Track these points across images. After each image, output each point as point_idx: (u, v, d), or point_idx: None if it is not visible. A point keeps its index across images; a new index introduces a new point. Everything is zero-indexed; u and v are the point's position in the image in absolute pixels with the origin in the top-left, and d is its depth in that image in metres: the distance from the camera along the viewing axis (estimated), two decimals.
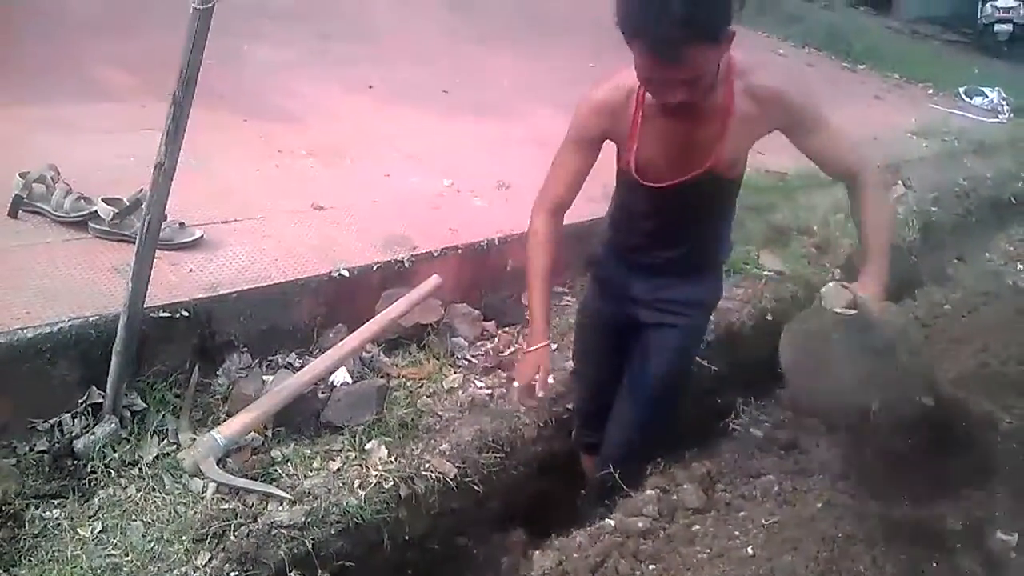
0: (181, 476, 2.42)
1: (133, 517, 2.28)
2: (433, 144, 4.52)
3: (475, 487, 2.77)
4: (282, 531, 2.33)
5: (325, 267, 3.05)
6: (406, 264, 3.24)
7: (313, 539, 2.37)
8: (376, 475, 2.59)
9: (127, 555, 2.19)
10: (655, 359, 2.59)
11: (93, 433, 2.43)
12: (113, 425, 2.45)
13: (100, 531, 2.23)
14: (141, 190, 2.76)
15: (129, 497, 2.34)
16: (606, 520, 2.58)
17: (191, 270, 2.85)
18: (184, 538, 2.23)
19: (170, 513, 2.30)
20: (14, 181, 2.91)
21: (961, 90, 9.84)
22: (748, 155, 2.36)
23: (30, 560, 2.15)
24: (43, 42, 4.49)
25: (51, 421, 2.44)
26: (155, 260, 2.38)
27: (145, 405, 2.56)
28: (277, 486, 2.45)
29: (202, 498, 2.37)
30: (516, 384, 2.56)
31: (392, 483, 2.59)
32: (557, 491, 3.08)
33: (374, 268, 3.16)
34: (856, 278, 2.28)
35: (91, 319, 2.49)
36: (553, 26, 8.22)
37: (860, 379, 2.05)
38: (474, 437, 2.87)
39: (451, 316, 3.37)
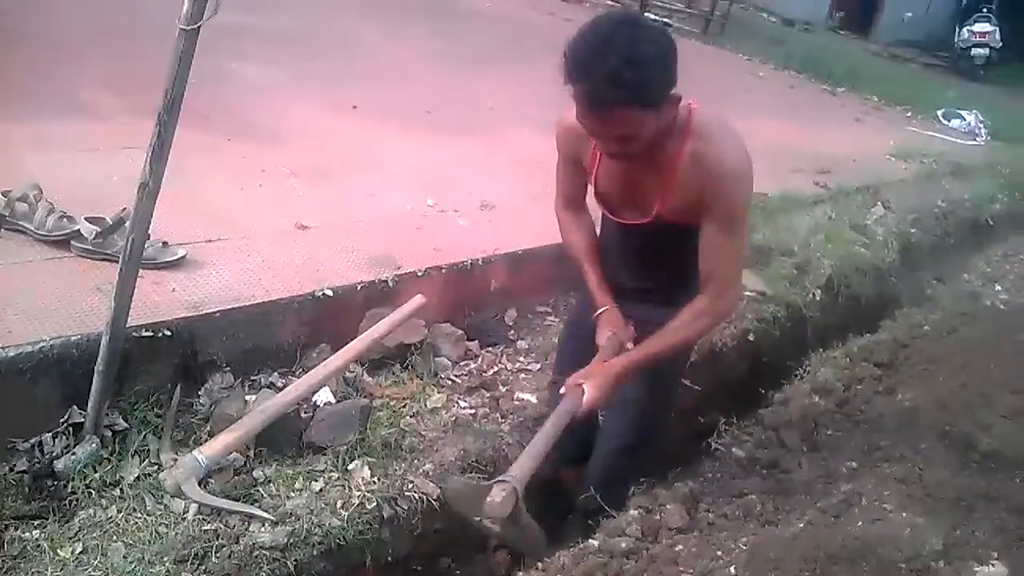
0: (163, 497, 2.40)
1: (114, 538, 2.26)
2: (416, 164, 4.53)
3: None
4: (264, 552, 2.31)
5: (309, 286, 3.06)
6: (390, 284, 3.25)
7: (295, 560, 2.35)
8: (359, 495, 2.59)
9: None
10: (639, 382, 2.54)
11: (74, 453, 2.41)
12: (94, 445, 2.44)
13: (80, 552, 2.21)
14: (124, 209, 2.76)
15: (110, 518, 2.32)
16: (589, 540, 2.58)
17: (174, 289, 2.85)
18: (166, 559, 2.21)
19: (151, 534, 2.29)
20: None
21: (939, 113, 10.00)
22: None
23: None
24: (26, 61, 4.48)
25: (31, 441, 2.41)
26: (138, 279, 2.37)
27: (127, 425, 2.55)
28: (259, 507, 2.44)
29: (184, 519, 2.35)
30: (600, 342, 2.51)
31: (375, 504, 2.58)
32: (540, 511, 3.08)
33: (358, 288, 3.17)
34: None
35: (73, 338, 2.48)
36: (534, 49, 8.26)
37: None
38: (457, 457, 2.86)
39: (435, 336, 3.38)
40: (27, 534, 2.24)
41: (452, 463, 2.84)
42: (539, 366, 3.48)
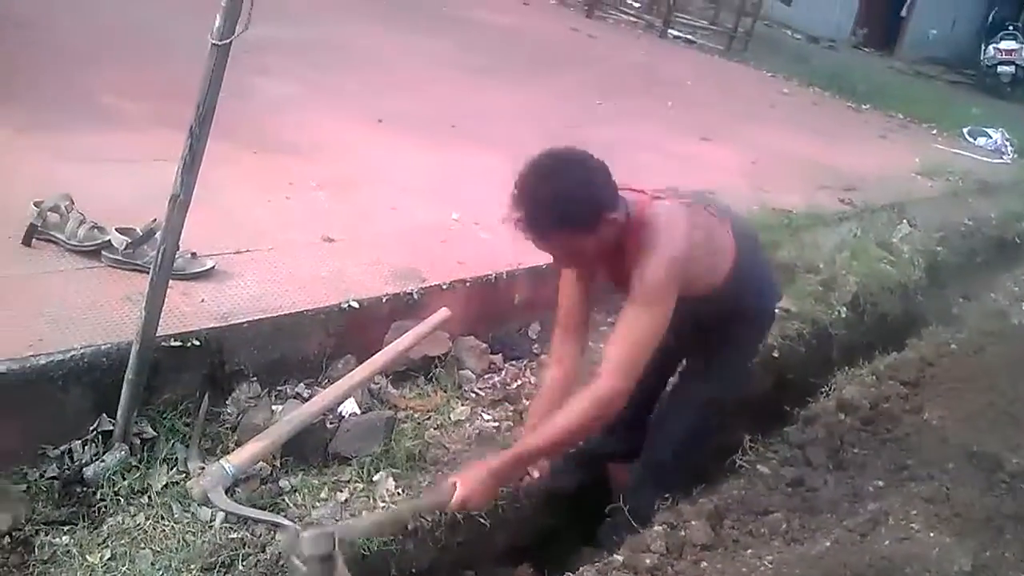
0: (190, 505, 2.42)
1: (142, 545, 2.27)
2: (442, 177, 4.56)
3: (482, 520, 2.75)
4: None
5: (335, 298, 3.07)
6: (415, 296, 3.26)
7: None
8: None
9: None
10: (699, 382, 2.79)
11: (103, 460, 2.43)
12: (123, 453, 2.46)
13: (109, 558, 2.22)
14: (155, 220, 2.79)
15: (138, 525, 2.33)
16: (614, 556, 2.58)
17: (203, 300, 2.87)
18: (193, 567, 2.23)
19: (179, 542, 2.30)
20: (29, 210, 2.93)
21: (965, 130, 9.94)
22: (705, 277, 2.46)
23: None
24: (57, 72, 4.55)
25: (61, 448, 2.44)
26: (168, 289, 2.40)
27: (155, 433, 2.57)
28: (285, 516, 2.45)
29: (210, 527, 2.37)
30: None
31: None
32: (565, 525, 3.07)
33: (383, 300, 3.18)
34: None
35: (103, 347, 2.50)
36: (558, 63, 8.33)
37: None
38: None
39: (459, 349, 3.39)
40: (57, 539, 2.26)
41: None
42: None
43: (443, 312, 3.10)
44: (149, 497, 2.43)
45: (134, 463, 2.48)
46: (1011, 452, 2.96)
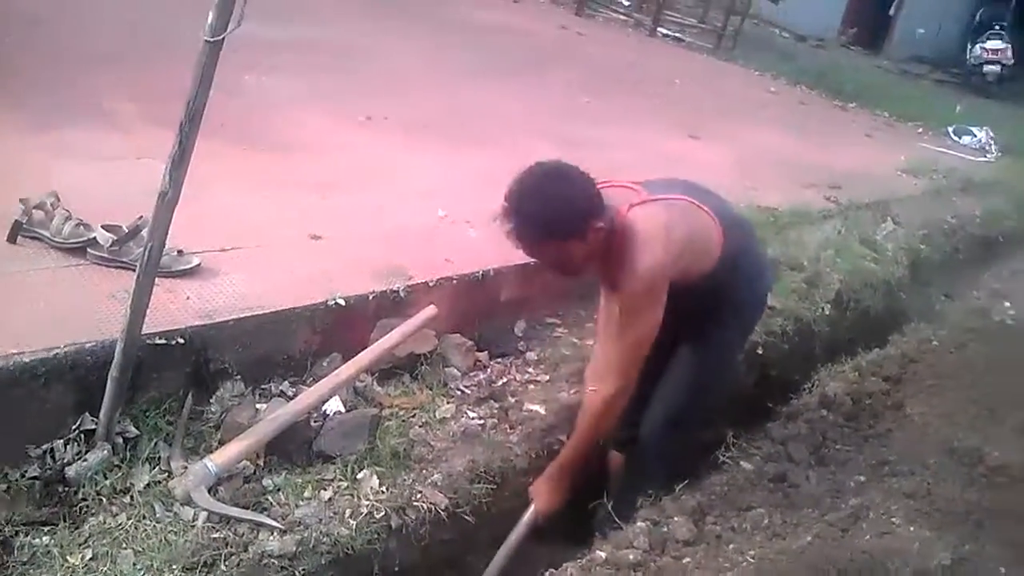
0: (172, 504, 2.41)
1: (123, 545, 2.26)
2: (428, 175, 4.56)
3: (467, 518, 2.77)
4: (273, 561, 2.32)
5: (320, 296, 3.07)
6: (401, 294, 3.26)
7: (303, 569, 2.36)
8: (368, 505, 2.59)
9: None
10: (691, 358, 2.82)
11: (85, 460, 2.42)
12: (105, 452, 2.45)
13: (90, 559, 2.21)
14: (141, 217, 2.79)
15: (120, 525, 2.32)
16: (597, 552, 2.60)
17: (188, 297, 2.87)
18: (175, 567, 2.22)
19: (161, 541, 2.29)
20: (14, 207, 2.92)
21: (950, 129, 10.00)
22: (694, 267, 2.55)
23: None
24: (43, 70, 4.53)
25: (43, 447, 2.43)
26: (153, 287, 2.40)
27: (138, 432, 2.56)
28: (268, 515, 2.45)
29: (193, 527, 2.36)
30: None
31: (383, 513, 2.58)
32: (552, 523, 3.08)
33: (369, 298, 3.18)
34: None
35: (87, 345, 2.49)
36: (546, 61, 8.33)
37: None
38: (466, 468, 2.87)
39: (445, 346, 3.39)
40: (37, 540, 2.24)
41: (461, 473, 2.85)
42: (548, 377, 3.49)
43: (429, 310, 3.11)
44: (131, 497, 2.42)
45: (116, 462, 2.47)
46: (991, 447, 2.99)
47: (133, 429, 2.55)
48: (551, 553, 2.86)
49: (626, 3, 13.62)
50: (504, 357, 3.57)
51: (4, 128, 3.75)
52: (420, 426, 3.02)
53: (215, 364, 2.80)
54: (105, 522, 2.33)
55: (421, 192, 4.27)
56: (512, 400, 3.30)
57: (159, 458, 2.55)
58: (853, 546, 2.38)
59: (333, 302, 3.07)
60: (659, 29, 12.46)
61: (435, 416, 3.09)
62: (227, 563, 2.28)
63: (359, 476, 2.69)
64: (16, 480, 2.36)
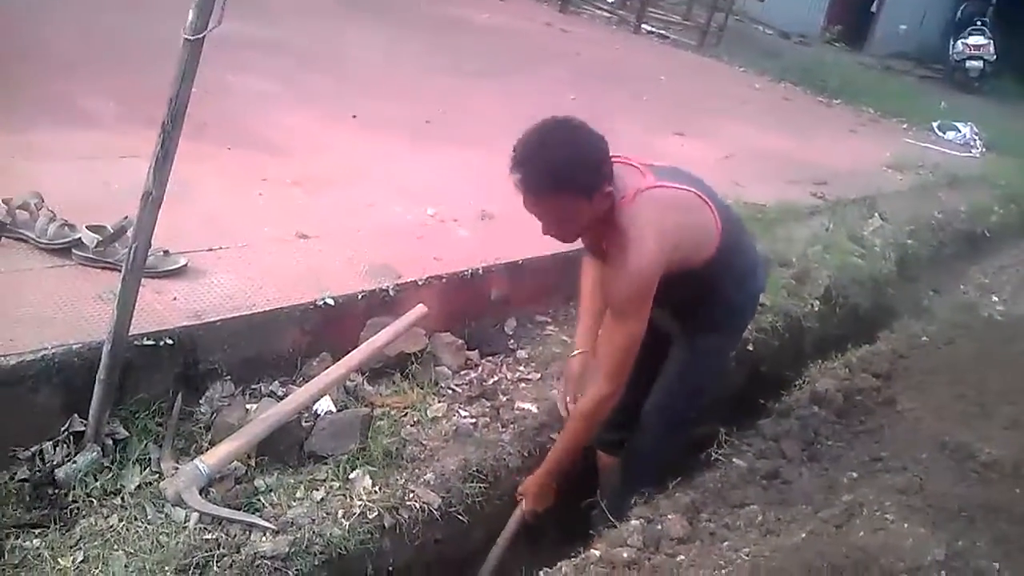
0: (163, 506, 2.39)
1: (115, 547, 2.24)
2: (416, 174, 4.54)
3: (460, 517, 2.76)
4: (265, 562, 2.31)
5: (310, 295, 3.05)
6: (391, 293, 3.25)
7: (296, 570, 2.34)
8: (360, 505, 2.58)
9: None
10: (679, 361, 2.80)
11: (75, 461, 2.40)
12: (95, 453, 2.43)
13: (81, 561, 2.20)
14: (126, 218, 2.76)
15: (111, 527, 2.30)
16: (591, 550, 2.59)
17: (175, 298, 2.84)
18: (167, 569, 2.20)
19: (152, 543, 2.27)
20: None
21: (934, 125, 10.05)
22: (692, 257, 2.51)
23: None
24: (25, 70, 4.48)
25: (32, 449, 2.41)
26: (139, 288, 2.37)
27: (127, 433, 2.54)
28: (260, 516, 2.43)
29: (185, 528, 2.34)
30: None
31: (376, 513, 2.57)
32: (542, 522, 3.07)
33: (359, 297, 3.17)
34: None
35: (74, 347, 2.47)
36: (532, 60, 8.31)
37: None
38: (458, 467, 2.86)
39: (435, 345, 3.38)
40: (28, 543, 2.22)
41: (453, 472, 2.84)
42: (539, 375, 3.48)
43: (420, 309, 3.09)
44: (122, 498, 2.40)
45: (106, 464, 2.45)
46: (982, 442, 3.00)
47: (123, 430, 2.53)
48: (545, 552, 2.86)
49: (610, 0, 13.61)
50: (495, 356, 3.56)
51: None
52: (412, 425, 3.01)
53: (204, 365, 2.78)
54: (96, 524, 2.31)
55: (409, 191, 4.25)
56: (503, 399, 3.29)
57: (149, 459, 2.53)
58: (847, 543, 2.37)
59: (322, 301, 3.05)
60: (643, 26, 12.46)
61: (427, 415, 3.08)
62: (219, 564, 2.26)
63: (351, 476, 2.68)
64: (5, 482, 2.34)
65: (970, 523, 2.52)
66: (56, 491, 2.37)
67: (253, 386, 2.90)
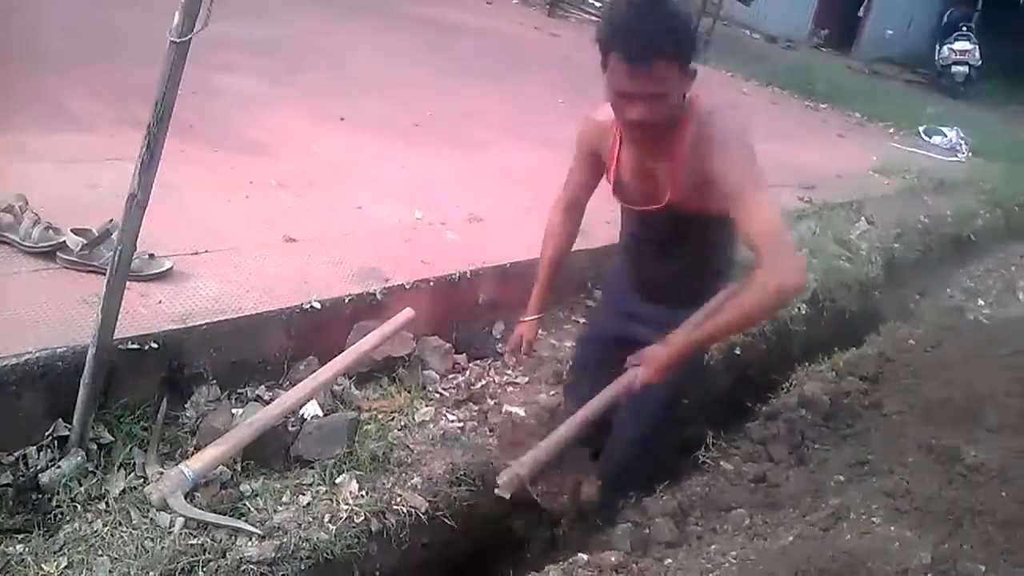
0: (148, 510, 2.37)
1: (99, 552, 2.23)
2: (405, 177, 4.53)
3: (447, 521, 2.75)
4: (251, 567, 2.29)
5: (296, 299, 3.04)
6: (378, 296, 3.24)
7: (282, 574, 2.33)
8: (347, 509, 2.57)
9: None
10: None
11: (59, 466, 2.38)
12: (79, 458, 2.41)
13: (66, 567, 2.18)
14: (111, 220, 2.75)
15: (95, 532, 2.29)
16: (579, 554, 2.58)
17: (160, 301, 2.83)
18: (152, 574, 2.18)
19: (137, 548, 2.26)
20: None
21: (921, 129, 10.10)
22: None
23: None
24: (10, 72, 4.45)
25: (16, 454, 2.38)
26: (124, 291, 2.36)
27: (112, 438, 2.52)
28: (246, 521, 2.42)
29: (170, 533, 2.32)
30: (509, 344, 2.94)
31: (363, 517, 2.56)
32: (530, 525, 3.07)
33: (346, 300, 3.15)
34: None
35: (58, 351, 2.45)
36: (521, 62, 8.32)
37: None
38: (446, 471, 2.85)
39: (423, 349, 3.37)
40: (11, 548, 2.20)
41: (440, 476, 2.83)
42: (527, 379, 3.48)
43: (407, 313, 3.08)
44: (107, 503, 2.38)
45: (91, 469, 2.43)
46: (969, 445, 2.99)
47: (107, 435, 2.51)
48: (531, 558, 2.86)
49: (598, 4, 13.61)
50: (483, 359, 3.56)
51: None
52: (399, 429, 3.00)
53: (190, 369, 2.77)
54: (80, 529, 2.30)
55: (397, 194, 4.24)
56: (491, 402, 3.29)
57: (134, 464, 2.52)
58: (834, 546, 2.37)
59: (309, 305, 3.04)
60: None
61: (414, 419, 3.07)
62: (205, 569, 2.24)
63: (338, 480, 2.67)
64: None
65: (957, 526, 2.52)
66: (40, 496, 2.35)
67: (239, 390, 2.89)
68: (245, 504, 2.51)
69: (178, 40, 2.08)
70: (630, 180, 2.46)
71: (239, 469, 2.62)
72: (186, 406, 2.75)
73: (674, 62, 2.13)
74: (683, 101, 2.26)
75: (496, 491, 2.38)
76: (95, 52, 5.09)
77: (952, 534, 2.47)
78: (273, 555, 2.34)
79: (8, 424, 2.38)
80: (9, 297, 2.64)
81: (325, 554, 2.43)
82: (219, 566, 2.26)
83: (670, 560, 2.48)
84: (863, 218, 5.94)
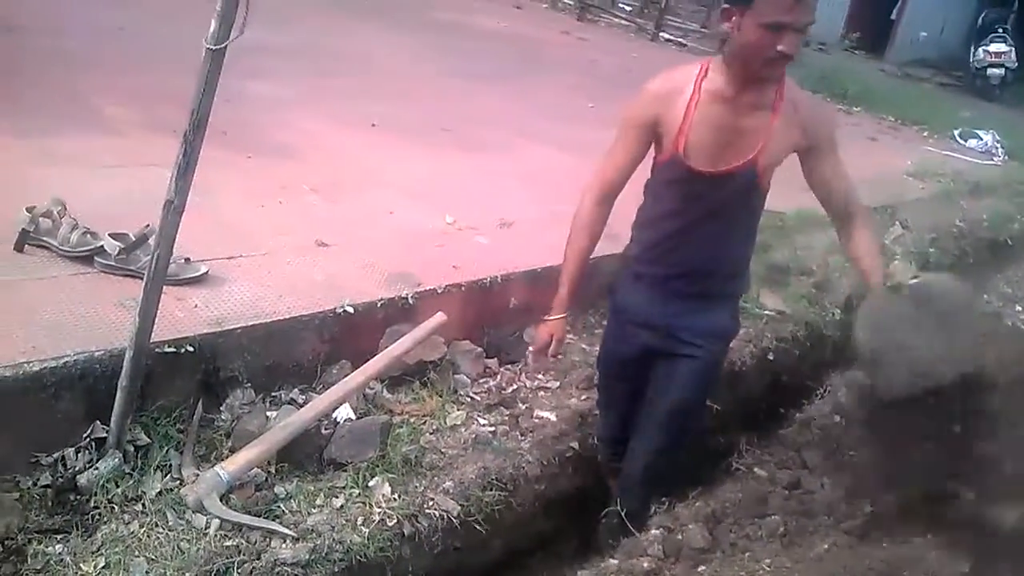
0: (184, 512, 2.40)
1: (136, 553, 2.25)
2: (435, 181, 4.55)
3: (478, 525, 2.75)
4: (286, 569, 2.31)
5: (329, 303, 3.06)
6: (410, 301, 3.25)
7: None
8: (379, 512, 2.58)
9: None
10: (674, 389, 2.66)
11: (97, 468, 2.41)
12: (116, 460, 2.44)
13: (103, 567, 2.20)
14: (147, 225, 2.78)
15: (132, 533, 2.31)
16: (610, 560, 2.58)
17: (196, 305, 2.86)
18: (188, 575, 2.21)
19: (173, 549, 2.28)
20: (20, 215, 2.91)
21: (955, 132, 9.95)
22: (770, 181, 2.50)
23: None
24: (47, 78, 4.53)
25: (55, 455, 2.42)
26: (161, 295, 2.39)
27: (149, 440, 2.55)
28: (280, 523, 2.44)
29: (205, 534, 2.35)
30: (531, 349, 2.75)
31: (395, 521, 2.57)
32: (561, 530, 3.07)
33: (378, 304, 3.17)
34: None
35: (96, 354, 2.48)
36: (550, 67, 8.33)
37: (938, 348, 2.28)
38: (477, 475, 2.86)
39: (454, 353, 3.37)
40: (50, 548, 2.24)
41: (472, 480, 2.83)
42: (558, 384, 3.48)
43: (439, 317, 3.09)
44: (143, 504, 2.41)
45: (128, 470, 2.46)
46: (1007, 455, 2.95)
47: (144, 437, 2.54)
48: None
49: (628, 8, 13.61)
50: (514, 364, 3.55)
51: (3, 136, 3.75)
52: (431, 433, 3.01)
53: (225, 372, 2.79)
54: (117, 530, 2.32)
55: (428, 198, 4.26)
56: (522, 407, 3.28)
57: (170, 466, 2.54)
58: (870, 555, 2.35)
59: (342, 309, 3.06)
60: (661, 34, 12.45)
61: (445, 423, 3.07)
62: (240, 571, 2.27)
63: (371, 483, 2.68)
64: (28, 488, 2.36)
65: (992, 538, 2.48)
66: (78, 497, 2.39)
67: (273, 393, 2.91)
68: (279, 506, 2.52)
69: (215, 47, 2.10)
70: (711, 141, 2.41)
71: (273, 471, 2.64)
72: (221, 409, 2.78)
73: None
74: None
75: None
76: (114, 57, 5.16)
77: (988, 546, 2.44)
78: (307, 557, 2.36)
79: (47, 426, 2.42)
80: (47, 301, 2.68)
81: (358, 557, 2.44)
82: (254, 568, 2.28)
83: (703, 567, 2.48)
84: (897, 223, 5.86)
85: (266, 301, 2.98)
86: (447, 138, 5.31)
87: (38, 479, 2.38)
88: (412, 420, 3.03)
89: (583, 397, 3.37)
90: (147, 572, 2.21)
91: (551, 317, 2.73)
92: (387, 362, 2.93)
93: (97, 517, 2.35)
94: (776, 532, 2.61)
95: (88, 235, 2.95)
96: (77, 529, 2.31)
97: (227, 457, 2.53)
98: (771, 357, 3.91)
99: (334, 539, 2.44)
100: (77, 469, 2.41)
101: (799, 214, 5.33)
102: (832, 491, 2.84)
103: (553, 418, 3.23)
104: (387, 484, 2.68)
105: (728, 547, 2.58)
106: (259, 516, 2.45)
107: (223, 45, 2.11)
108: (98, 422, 2.47)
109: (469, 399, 3.26)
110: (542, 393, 3.41)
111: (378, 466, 2.74)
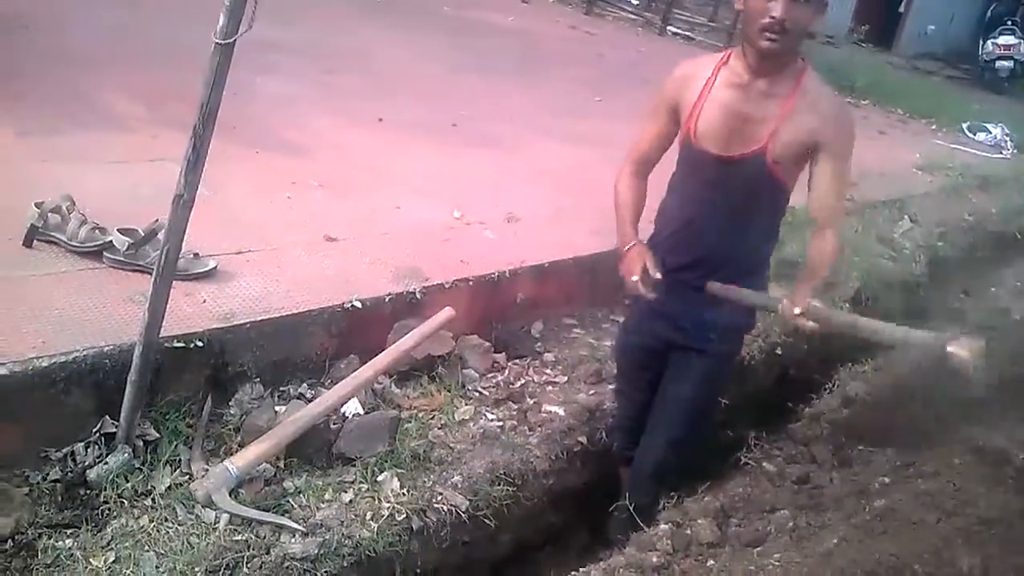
0: (194, 507, 2.41)
1: (146, 548, 2.26)
2: (443, 176, 4.54)
3: (487, 520, 2.75)
4: (295, 563, 2.32)
5: (337, 298, 3.06)
6: (418, 296, 3.25)
7: (326, 571, 2.35)
8: (388, 507, 2.58)
9: None
10: (685, 383, 2.71)
11: (106, 462, 2.42)
12: (126, 455, 2.45)
13: (113, 561, 2.21)
14: (156, 221, 2.79)
15: (142, 527, 2.32)
16: (618, 556, 2.57)
17: (205, 300, 2.86)
18: (197, 569, 2.21)
19: (183, 544, 2.29)
20: (29, 211, 2.91)
21: (964, 126, 9.91)
22: (796, 179, 2.55)
23: None
24: (54, 74, 4.53)
25: (64, 450, 2.43)
26: (170, 290, 2.39)
27: (158, 435, 2.56)
28: (289, 518, 2.44)
29: (215, 529, 2.36)
30: (627, 278, 2.64)
31: (404, 515, 2.58)
32: (570, 524, 3.07)
33: (386, 299, 3.17)
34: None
35: (105, 349, 2.49)
36: (558, 61, 8.30)
37: None
38: (486, 470, 2.86)
39: (462, 348, 3.38)
40: (60, 543, 2.24)
41: (480, 475, 2.83)
42: (566, 378, 3.48)
43: (447, 312, 3.09)
44: (153, 499, 2.42)
45: (137, 465, 2.47)
46: (1018, 447, 2.95)
47: (153, 432, 2.55)
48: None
49: (635, 2, 13.55)
50: (521, 358, 3.56)
51: (12, 132, 3.76)
52: (439, 428, 3.01)
53: (233, 367, 2.80)
54: (127, 524, 2.33)
55: (435, 193, 4.26)
56: (530, 401, 3.29)
57: (179, 461, 2.55)
58: (880, 549, 2.34)
59: (350, 304, 3.06)
60: (669, 28, 12.40)
61: (454, 418, 3.08)
62: (249, 565, 2.27)
63: (379, 478, 2.68)
64: (38, 483, 2.37)
65: (1007, 529, 2.47)
66: (88, 492, 2.39)
67: (282, 388, 2.92)
68: (288, 501, 2.53)
69: (223, 42, 2.10)
70: (720, 124, 2.46)
71: (282, 466, 2.65)
72: (230, 404, 2.78)
73: (819, 6, 2.35)
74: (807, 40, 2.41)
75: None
76: (123, 54, 5.15)
77: (1001, 539, 2.43)
78: (316, 552, 2.36)
79: (56, 421, 2.43)
80: (57, 296, 2.69)
81: (367, 551, 2.45)
82: (263, 562, 2.29)
83: (712, 562, 2.47)
84: (906, 216, 5.85)
85: (275, 296, 2.98)
86: (454, 133, 5.30)
87: (48, 474, 2.38)
88: (420, 415, 3.04)
89: (591, 392, 3.37)
90: (157, 567, 2.21)
91: (630, 245, 2.65)
92: (395, 357, 2.93)
93: (107, 512, 2.36)
94: (785, 527, 2.60)
95: (97, 230, 2.95)
96: (87, 524, 2.31)
97: (236, 452, 2.54)
98: (779, 352, 3.90)
99: (343, 534, 2.44)
100: (87, 464, 2.41)
101: (808, 208, 5.31)
102: (841, 485, 2.83)
103: (561, 412, 3.22)
104: (396, 479, 2.69)
105: (737, 542, 2.58)
106: (268, 511, 2.45)
107: (232, 40, 2.10)
108: (107, 417, 2.47)
109: (477, 394, 3.26)
110: (550, 388, 3.41)
111: (387, 461, 2.74)
